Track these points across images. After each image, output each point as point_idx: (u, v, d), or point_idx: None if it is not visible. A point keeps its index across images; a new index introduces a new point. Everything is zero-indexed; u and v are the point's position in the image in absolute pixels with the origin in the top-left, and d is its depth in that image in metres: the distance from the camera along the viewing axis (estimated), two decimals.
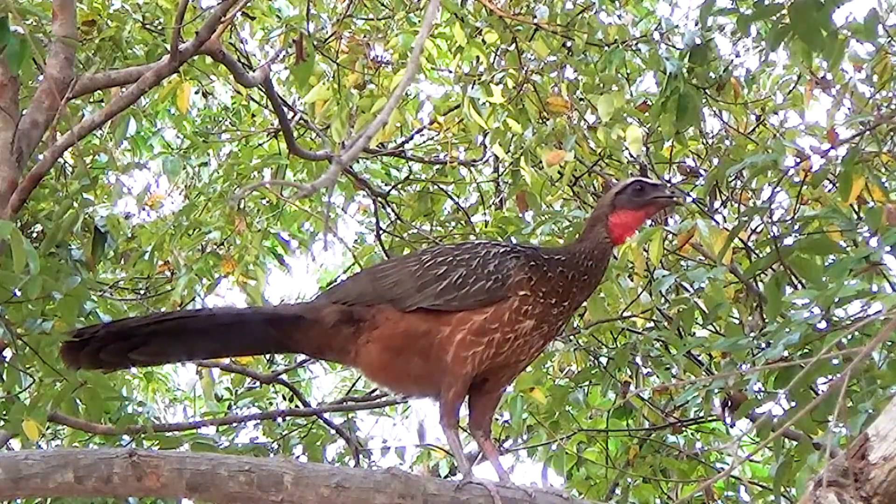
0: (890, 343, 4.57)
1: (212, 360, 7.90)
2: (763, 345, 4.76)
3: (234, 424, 7.80)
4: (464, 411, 3.76)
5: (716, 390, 5.52)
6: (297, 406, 8.34)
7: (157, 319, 3.89)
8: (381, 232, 7.92)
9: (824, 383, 4.77)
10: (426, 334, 3.64)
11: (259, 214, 7.86)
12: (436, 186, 7.98)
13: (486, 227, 7.27)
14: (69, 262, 6.51)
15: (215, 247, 7.49)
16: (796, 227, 5.03)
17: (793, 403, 4.68)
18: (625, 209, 3.80)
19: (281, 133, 7.47)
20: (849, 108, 6.96)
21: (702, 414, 6.80)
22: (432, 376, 3.67)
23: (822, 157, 5.51)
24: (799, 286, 5.26)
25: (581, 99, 7.03)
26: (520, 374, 3.92)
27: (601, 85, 6.77)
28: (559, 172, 6.73)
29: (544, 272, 3.68)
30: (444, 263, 3.70)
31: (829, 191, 6.29)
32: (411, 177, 8.31)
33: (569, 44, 7.11)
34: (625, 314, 6.46)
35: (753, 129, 7.32)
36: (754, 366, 4.92)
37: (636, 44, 6.93)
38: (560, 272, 3.69)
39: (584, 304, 6.24)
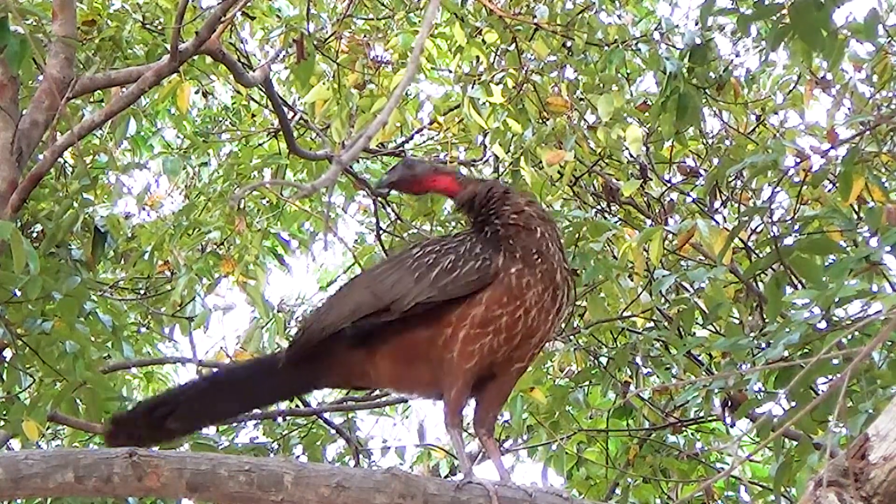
0: (890, 343, 4.58)
1: (212, 360, 7.91)
2: (763, 345, 4.77)
3: (234, 424, 7.79)
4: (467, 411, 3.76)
5: (716, 390, 5.53)
6: (297, 406, 8.33)
7: (179, 391, 3.92)
8: (381, 232, 7.91)
9: (824, 383, 4.77)
10: (430, 339, 3.62)
11: (259, 214, 7.86)
12: None
13: None
14: (69, 262, 6.51)
15: (215, 247, 7.49)
16: (796, 227, 5.04)
17: (793, 403, 4.68)
18: None
19: (281, 133, 7.46)
20: (849, 108, 6.96)
21: (702, 414, 6.80)
22: (439, 378, 3.66)
23: (822, 157, 5.51)
24: (799, 286, 5.27)
25: (581, 99, 7.03)
26: (538, 355, 3.86)
27: (601, 85, 6.77)
28: (559, 172, 6.73)
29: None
30: (434, 252, 3.68)
31: (829, 191, 6.29)
32: None
33: (569, 44, 7.10)
34: (625, 314, 6.46)
35: (753, 129, 7.32)
36: (754, 366, 4.92)
37: (636, 44, 6.92)
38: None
39: (584, 304, 6.28)
